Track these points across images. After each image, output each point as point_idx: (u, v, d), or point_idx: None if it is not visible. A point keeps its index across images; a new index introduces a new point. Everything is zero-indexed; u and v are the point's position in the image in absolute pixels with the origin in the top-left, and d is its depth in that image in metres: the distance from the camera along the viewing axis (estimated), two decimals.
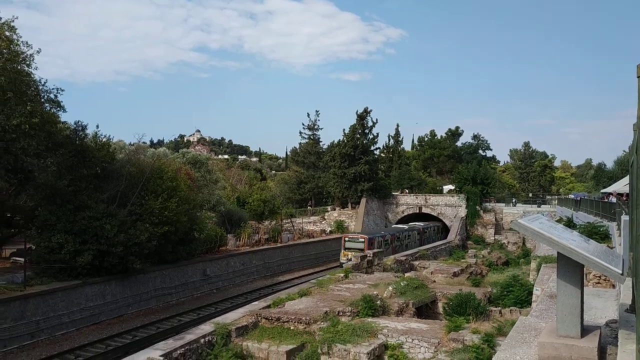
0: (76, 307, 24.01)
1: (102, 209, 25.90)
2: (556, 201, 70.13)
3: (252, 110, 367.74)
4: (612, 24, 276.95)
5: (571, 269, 5.94)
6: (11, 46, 23.48)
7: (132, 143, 41.63)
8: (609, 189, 47.21)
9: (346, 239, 42.96)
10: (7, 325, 20.66)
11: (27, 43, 24.32)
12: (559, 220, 36.66)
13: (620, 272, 5.48)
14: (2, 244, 29.27)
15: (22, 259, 25.01)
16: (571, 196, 62.10)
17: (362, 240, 41.53)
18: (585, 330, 6.13)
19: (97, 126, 30.41)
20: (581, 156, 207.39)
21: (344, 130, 62.50)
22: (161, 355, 13.97)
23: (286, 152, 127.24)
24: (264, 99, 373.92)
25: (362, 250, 38.21)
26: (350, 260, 34.77)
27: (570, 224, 31.02)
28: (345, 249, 41.76)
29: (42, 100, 26.14)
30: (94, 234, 24.88)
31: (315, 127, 74.22)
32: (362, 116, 62.19)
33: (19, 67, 24.05)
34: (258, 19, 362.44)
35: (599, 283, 14.33)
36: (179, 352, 14.82)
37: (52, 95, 26.42)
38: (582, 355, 5.76)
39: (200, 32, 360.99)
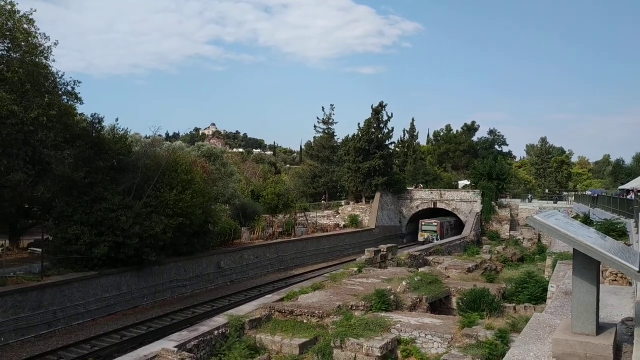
0: (92, 298, 24.30)
1: (118, 201, 26.13)
2: (573, 198, 69.43)
3: (267, 104, 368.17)
4: (630, 17, 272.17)
5: (587, 266, 5.87)
6: (29, 39, 23.71)
7: (148, 136, 41.88)
8: (627, 186, 46.66)
9: (423, 223, 56.30)
10: (25, 314, 20.98)
11: (44, 35, 24.56)
12: (576, 217, 36.28)
13: (638, 269, 5.41)
14: (20, 234, 29.67)
15: (40, 250, 25.36)
16: (588, 193, 61.49)
17: (435, 224, 55.37)
18: (600, 328, 6.07)
19: (117, 120, 30.68)
20: (599, 152, 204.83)
21: (358, 124, 62.41)
22: (175, 347, 14.10)
23: (301, 146, 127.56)
24: (279, 92, 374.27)
25: (435, 232, 54.19)
26: (426, 239, 52.04)
27: (587, 220, 30.67)
28: (422, 230, 55.42)
29: (60, 92, 26.40)
30: (110, 226, 25.12)
31: (330, 121, 74.15)
32: (378, 110, 61.96)
33: (37, 60, 24.28)
34: (273, 12, 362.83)
35: (615, 281, 14.15)
36: (193, 343, 14.95)
37: (69, 88, 26.67)
38: (597, 353, 5.70)
39: (215, 26, 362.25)
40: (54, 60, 25.30)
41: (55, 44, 24.98)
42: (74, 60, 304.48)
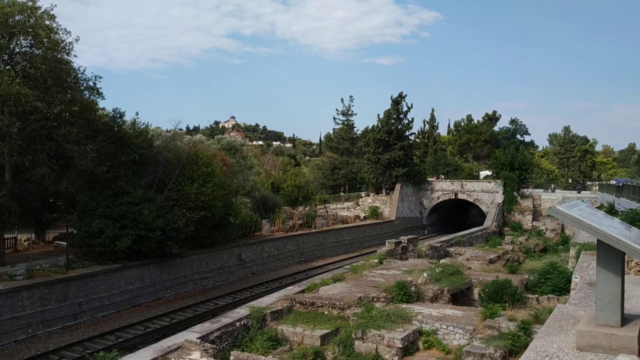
0: (116, 290, 24.67)
1: (140, 195, 26.43)
2: (597, 187, 68.38)
3: (285, 96, 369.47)
4: None
5: (611, 257, 5.78)
6: (51, 35, 23.98)
7: (168, 130, 42.24)
8: None
9: None
10: (51, 306, 21.40)
11: (65, 30, 24.81)
12: (600, 207, 35.76)
13: None
14: (45, 228, 30.22)
15: (65, 243, 25.80)
16: (613, 182, 60.51)
17: None
18: (625, 320, 5.98)
19: (137, 113, 30.99)
20: (624, 141, 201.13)
21: (378, 115, 62.06)
22: (198, 338, 14.24)
23: (320, 138, 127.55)
24: (298, 84, 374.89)
25: None
26: None
27: (611, 210, 30.22)
28: None
29: (82, 88, 26.73)
30: (132, 219, 25.43)
31: (349, 112, 74.02)
32: (397, 101, 61.55)
33: (58, 56, 24.56)
34: (290, 4, 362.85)
35: None
36: (215, 334, 15.08)
37: (90, 83, 27.03)
38: (622, 345, 5.63)
39: (232, 19, 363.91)
40: (75, 56, 25.61)
41: (77, 40, 25.30)
42: (95, 56, 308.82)
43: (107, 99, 29.81)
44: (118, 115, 28.91)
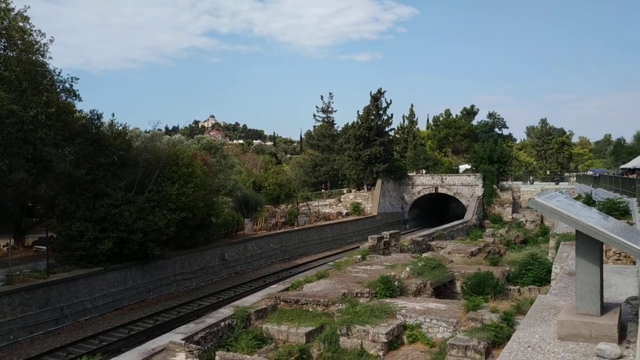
0: (98, 294, 24.42)
1: (121, 197, 26.19)
2: (574, 178, 69.45)
3: (265, 94, 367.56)
4: None
5: (590, 247, 5.90)
6: (25, 37, 23.60)
7: (147, 130, 41.84)
8: (628, 164, 46.65)
9: None
10: (32, 312, 21.10)
11: (40, 32, 24.42)
12: (578, 198, 36.32)
13: None
14: (24, 233, 29.72)
15: (44, 248, 25.44)
16: (590, 173, 61.45)
17: None
18: (605, 308, 6.11)
19: (113, 115, 30.61)
20: (600, 132, 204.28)
21: (358, 112, 62.17)
22: (183, 339, 14.19)
23: (301, 136, 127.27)
24: (277, 82, 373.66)
25: None
26: None
27: (589, 201, 30.70)
28: None
29: (58, 90, 26.33)
30: (113, 222, 25.18)
31: (329, 109, 74.00)
32: (376, 97, 61.76)
33: (33, 58, 24.19)
34: (266, 2, 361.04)
35: (619, 260, 14.19)
36: (200, 335, 15.04)
37: (67, 85, 26.60)
38: (602, 333, 5.75)
39: (209, 17, 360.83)
40: (50, 58, 25.21)
41: (51, 41, 24.89)
42: (71, 57, 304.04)
43: (84, 100, 29.35)
44: (96, 117, 28.54)
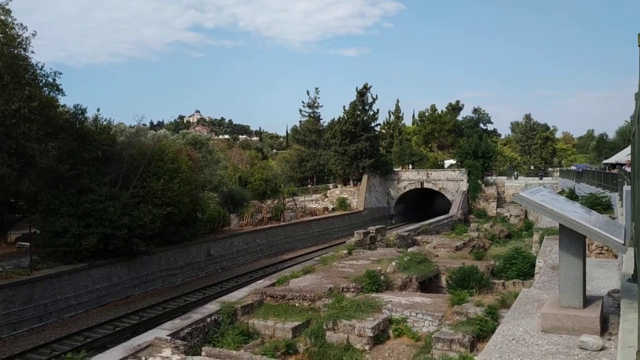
0: (83, 290, 24.22)
1: (105, 192, 25.96)
2: (558, 173, 70.10)
3: (251, 89, 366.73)
4: None
5: (573, 241, 5.97)
6: (7, 30, 23.26)
7: (132, 125, 41.47)
8: (611, 160, 47.15)
9: None
10: (15, 309, 20.88)
11: (22, 25, 24.05)
12: (561, 192, 36.67)
13: (622, 242, 5.52)
14: (7, 229, 29.39)
15: (27, 244, 25.17)
16: (573, 168, 62.05)
17: None
18: (587, 301, 6.20)
19: (98, 109, 30.36)
20: (583, 127, 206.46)
21: (344, 107, 62.17)
22: (168, 335, 14.16)
23: (287, 131, 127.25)
24: (263, 77, 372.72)
25: None
26: None
27: (572, 195, 31.02)
28: None
29: (40, 84, 25.98)
30: (97, 217, 24.97)
31: (315, 104, 74.03)
32: (362, 92, 61.78)
33: (15, 52, 23.84)
34: None
35: (601, 254, 14.36)
36: (186, 331, 15.02)
37: (50, 79, 26.21)
38: (584, 325, 5.83)
39: (194, 11, 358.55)
40: (32, 52, 24.82)
41: (34, 35, 24.51)
42: (53, 50, 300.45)
43: (67, 95, 29.11)
44: (79, 111, 28.24)
